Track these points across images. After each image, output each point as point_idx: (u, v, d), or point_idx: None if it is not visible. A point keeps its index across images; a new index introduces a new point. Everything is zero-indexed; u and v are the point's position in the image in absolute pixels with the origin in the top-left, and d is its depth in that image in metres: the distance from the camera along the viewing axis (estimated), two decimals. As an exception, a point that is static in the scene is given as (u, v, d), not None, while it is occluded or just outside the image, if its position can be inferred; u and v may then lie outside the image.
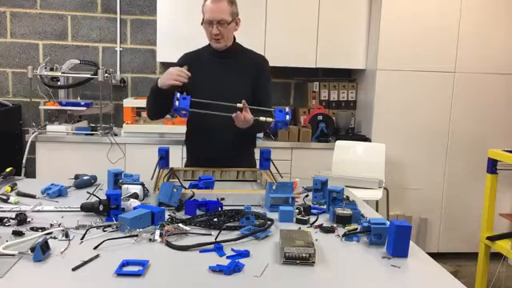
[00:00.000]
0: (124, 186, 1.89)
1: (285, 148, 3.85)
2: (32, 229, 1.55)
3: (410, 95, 3.90)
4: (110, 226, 1.58)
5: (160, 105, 2.35)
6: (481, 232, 3.20)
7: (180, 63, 2.42)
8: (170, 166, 2.32)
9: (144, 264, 1.30)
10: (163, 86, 2.22)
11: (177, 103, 2.08)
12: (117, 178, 1.99)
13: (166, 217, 1.67)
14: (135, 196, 1.85)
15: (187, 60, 2.43)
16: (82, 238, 1.48)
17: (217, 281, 1.26)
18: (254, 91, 2.40)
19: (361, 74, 4.23)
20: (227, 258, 1.39)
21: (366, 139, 3.94)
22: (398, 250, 1.44)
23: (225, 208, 1.78)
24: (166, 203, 1.80)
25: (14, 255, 1.34)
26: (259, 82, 2.44)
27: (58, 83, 3.91)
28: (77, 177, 2.17)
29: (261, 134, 3.87)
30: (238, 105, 2.15)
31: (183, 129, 2.61)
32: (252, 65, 2.46)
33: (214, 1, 2.30)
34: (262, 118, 2.15)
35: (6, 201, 1.85)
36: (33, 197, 1.92)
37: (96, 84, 3.88)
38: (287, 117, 2.12)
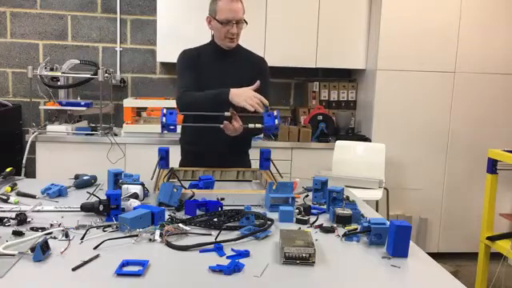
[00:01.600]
0: (124, 186, 1.89)
1: (285, 148, 3.85)
2: (32, 229, 1.55)
3: (410, 95, 3.90)
4: (109, 225, 1.58)
5: (208, 110, 2.19)
6: (481, 232, 3.20)
7: (186, 61, 2.42)
8: (170, 166, 2.32)
9: (144, 264, 1.30)
10: (236, 104, 2.11)
11: (164, 119, 2.03)
12: (117, 178, 1.99)
13: (166, 217, 1.67)
14: (135, 196, 1.85)
15: (188, 57, 2.44)
16: (82, 238, 1.48)
17: (217, 281, 1.26)
18: None
19: (361, 74, 4.23)
20: (227, 258, 1.39)
21: (366, 139, 3.94)
22: (398, 250, 1.44)
23: (225, 208, 1.77)
24: (165, 203, 1.80)
25: (13, 255, 1.34)
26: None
27: (58, 83, 3.91)
28: (77, 177, 2.17)
29: (261, 134, 3.86)
30: (226, 113, 2.13)
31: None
32: (251, 65, 2.46)
33: (232, 0, 2.31)
34: (251, 125, 2.14)
35: (6, 201, 1.85)
36: (33, 197, 1.92)
37: (96, 84, 3.88)
38: (276, 121, 2.10)
